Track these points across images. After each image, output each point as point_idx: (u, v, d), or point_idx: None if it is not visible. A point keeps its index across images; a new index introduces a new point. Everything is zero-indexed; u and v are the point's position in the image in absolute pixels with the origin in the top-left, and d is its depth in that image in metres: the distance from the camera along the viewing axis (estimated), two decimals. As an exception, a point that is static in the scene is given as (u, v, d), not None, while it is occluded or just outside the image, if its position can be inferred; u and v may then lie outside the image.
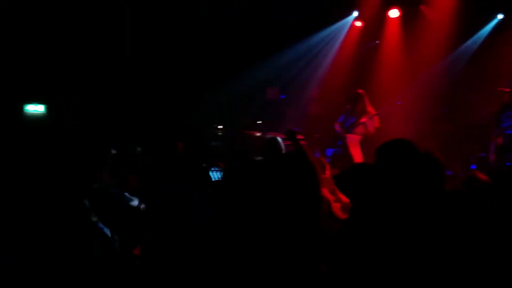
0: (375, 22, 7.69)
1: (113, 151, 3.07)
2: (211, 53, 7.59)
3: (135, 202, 2.95)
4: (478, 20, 6.86)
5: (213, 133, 7.54)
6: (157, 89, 7.41)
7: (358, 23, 7.88)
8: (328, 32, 8.13)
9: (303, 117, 8.05)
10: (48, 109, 7.07)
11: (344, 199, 3.56)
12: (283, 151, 4.08)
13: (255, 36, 7.57)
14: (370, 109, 6.78)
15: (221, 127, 7.64)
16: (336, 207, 3.68)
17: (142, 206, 2.91)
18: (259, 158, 3.44)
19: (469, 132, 6.30)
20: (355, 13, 7.77)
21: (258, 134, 7.42)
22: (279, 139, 4.25)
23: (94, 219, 2.56)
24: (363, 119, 6.63)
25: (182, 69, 7.50)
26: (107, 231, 2.60)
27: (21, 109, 6.92)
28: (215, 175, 3.74)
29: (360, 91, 6.85)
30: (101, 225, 2.59)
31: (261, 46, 7.65)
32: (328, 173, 4.32)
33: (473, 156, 5.95)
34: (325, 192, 3.67)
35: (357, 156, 6.41)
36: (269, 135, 5.93)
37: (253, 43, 7.61)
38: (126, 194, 2.96)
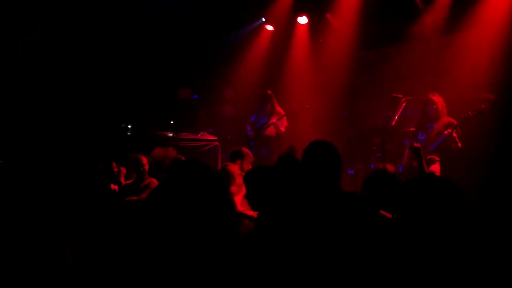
0: (286, 27, 7.95)
1: None
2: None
3: None
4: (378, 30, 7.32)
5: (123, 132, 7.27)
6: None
7: (270, 27, 8.10)
8: (240, 34, 8.25)
9: (216, 118, 8.09)
10: None
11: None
12: None
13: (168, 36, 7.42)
14: (279, 109, 7.02)
15: (130, 126, 7.38)
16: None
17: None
18: None
19: (369, 135, 6.78)
20: (264, 18, 7.99)
21: (170, 134, 7.31)
22: None
23: None
24: (273, 120, 6.84)
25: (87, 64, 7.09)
26: None
27: None
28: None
29: (268, 91, 7.05)
30: None
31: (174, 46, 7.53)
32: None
33: (372, 157, 6.41)
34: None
35: (271, 156, 6.59)
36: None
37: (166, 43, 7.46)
38: None
